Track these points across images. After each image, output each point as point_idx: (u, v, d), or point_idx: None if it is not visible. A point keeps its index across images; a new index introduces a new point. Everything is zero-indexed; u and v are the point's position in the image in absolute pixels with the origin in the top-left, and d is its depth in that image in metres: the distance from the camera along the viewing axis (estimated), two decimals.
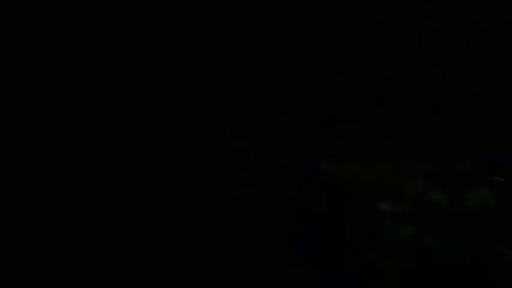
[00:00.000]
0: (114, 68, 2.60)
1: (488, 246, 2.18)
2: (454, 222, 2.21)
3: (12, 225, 2.45)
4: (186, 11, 2.64)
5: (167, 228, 2.43)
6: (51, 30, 2.60)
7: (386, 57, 2.58)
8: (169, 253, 2.42)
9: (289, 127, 2.51)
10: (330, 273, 2.34)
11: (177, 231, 2.44)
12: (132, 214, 2.46)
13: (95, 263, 2.41)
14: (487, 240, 2.19)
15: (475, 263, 2.17)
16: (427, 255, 2.19)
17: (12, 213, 2.46)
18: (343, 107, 2.53)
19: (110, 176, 2.48)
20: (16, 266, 2.39)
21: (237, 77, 2.57)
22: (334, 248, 2.34)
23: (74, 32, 2.62)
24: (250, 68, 2.57)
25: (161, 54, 2.61)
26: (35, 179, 2.50)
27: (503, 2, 2.64)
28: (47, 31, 2.60)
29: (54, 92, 2.58)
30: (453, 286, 2.16)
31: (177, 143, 2.53)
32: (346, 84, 2.57)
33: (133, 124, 2.54)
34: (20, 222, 2.46)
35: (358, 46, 2.62)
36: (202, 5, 2.64)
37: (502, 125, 2.51)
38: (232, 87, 2.57)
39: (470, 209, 2.21)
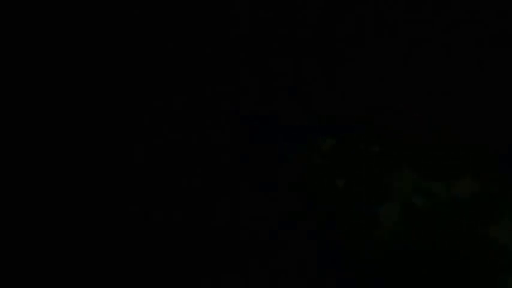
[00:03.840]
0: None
1: (480, 233, 2.23)
2: (445, 214, 2.26)
3: (12, 224, 2.44)
4: None
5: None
6: (51, 30, 2.61)
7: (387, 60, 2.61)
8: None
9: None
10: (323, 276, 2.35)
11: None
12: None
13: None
14: (478, 227, 2.24)
15: (468, 250, 2.22)
16: (422, 251, 2.23)
17: (12, 212, 2.46)
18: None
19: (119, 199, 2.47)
20: (16, 266, 2.39)
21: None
22: (328, 250, 2.35)
23: (71, 32, 2.63)
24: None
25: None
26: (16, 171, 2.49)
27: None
28: (47, 31, 2.61)
29: (52, 92, 2.58)
30: (451, 275, 2.21)
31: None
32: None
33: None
34: (19, 221, 2.45)
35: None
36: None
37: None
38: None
39: (459, 200, 2.26)
